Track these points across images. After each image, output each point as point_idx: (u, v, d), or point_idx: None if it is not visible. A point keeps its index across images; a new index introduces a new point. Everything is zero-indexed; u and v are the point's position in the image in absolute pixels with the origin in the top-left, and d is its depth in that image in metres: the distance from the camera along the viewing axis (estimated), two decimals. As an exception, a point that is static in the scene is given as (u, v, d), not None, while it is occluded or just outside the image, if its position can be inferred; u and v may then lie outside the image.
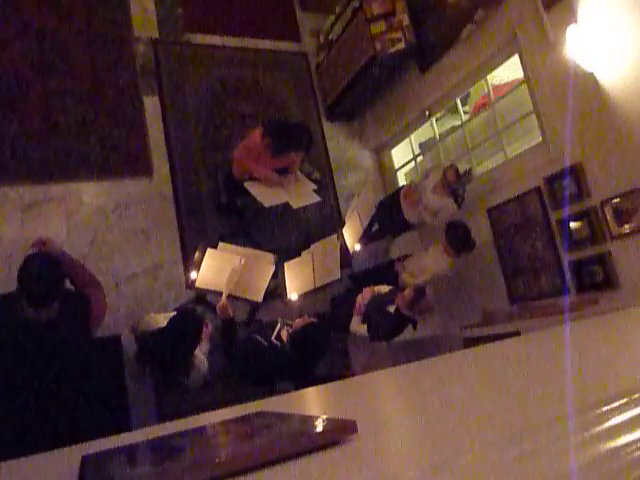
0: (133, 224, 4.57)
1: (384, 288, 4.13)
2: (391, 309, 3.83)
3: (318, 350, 3.36)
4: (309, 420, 0.73)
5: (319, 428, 0.66)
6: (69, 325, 2.77)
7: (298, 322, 3.41)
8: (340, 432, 0.64)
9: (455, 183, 4.15)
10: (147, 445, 0.81)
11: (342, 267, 4.18)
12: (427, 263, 4.30)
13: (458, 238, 4.11)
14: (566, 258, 3.91)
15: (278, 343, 3.37)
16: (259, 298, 3.76)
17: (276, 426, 0.75)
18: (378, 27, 4.76)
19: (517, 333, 3.53)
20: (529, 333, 3.34)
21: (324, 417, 0.71)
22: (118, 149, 4.68)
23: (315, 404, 1.13)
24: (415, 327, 3.84)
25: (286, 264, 3.94)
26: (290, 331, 3.41)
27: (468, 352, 1.84)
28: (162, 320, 3.45)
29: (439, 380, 1.15)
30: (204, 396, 4.24)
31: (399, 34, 4.79)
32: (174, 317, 3.35)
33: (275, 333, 3.43)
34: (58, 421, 2.65)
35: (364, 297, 4.04)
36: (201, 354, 3.40)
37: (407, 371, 1.41)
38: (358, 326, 4.00)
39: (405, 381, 1.23)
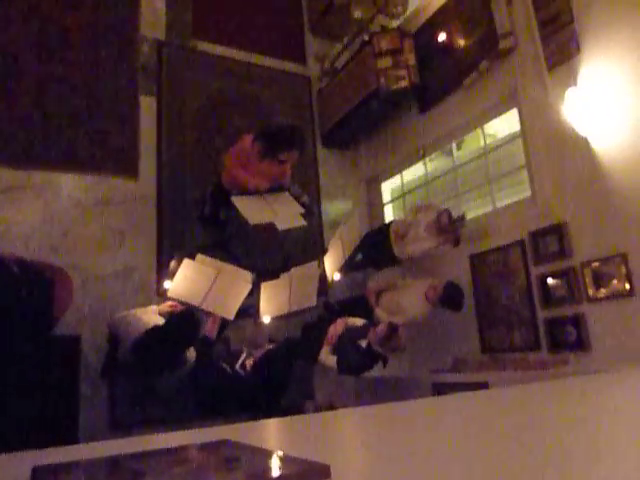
0: (111, 223, 4.50)
1: (358, 321, 4.12)
2: (363, 343, 3.82)
3: (280, 379, 3.36)
4: (279, 459, 0.71)
5: (291, 470, 0.64)
6: (27, 310, 2.70)
7: (256, 355, 3.43)
8: (313, 477, 0.62)
9: (448, 228, 4.20)
10: (104, 465, 0.78)
11: (318, 295, 4.16)
12: (405, 304, 4.31)
13: (452, 301, 4.14)
14: (541, 315, 3.96)
15: (242, 372, 3.35)
16: (230, 315, 3.71)
17: (243, 461, 0.72)
18: (384, 62, 4.86)
19: (485, 384, 3.53)
20: (497, 386, 3.36)
21: (295, 457, 0.70)
22: (106, 145, 4.64)
23: (283, 438, 1.11)
24: (385, 364, 3.82)
25: (263, 284, 3.90)
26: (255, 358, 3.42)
27: (437, 400, 1.83)
28: (147, 318, 3.44)
29: (410, 426, 1.14)
30: (159, 409, 4.16)
31: (404, 72, 4.89)
32: (173, 316, 3.36)
33: (240, 362, 3.42)
34: (6, 420, 2.55)
35: (337, 328, 4.03)
36: (191, 355, 3.44)
37: (377, 412, 1.39)
38: (327, 357, 3.97)
39: (376, 423, 1.21)
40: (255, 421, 1.32)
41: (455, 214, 4.34)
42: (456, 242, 4.31)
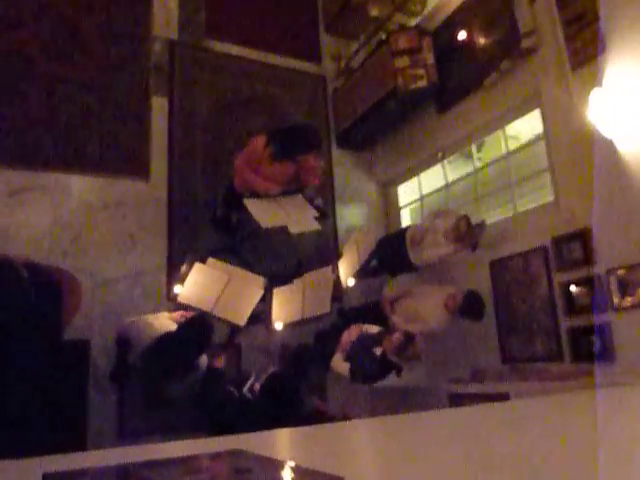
0: (121, 226, 4.56)
1: (373, 328, 4.12)
2: (377, 352, 3.81)
3: (289, 401, 3.38)
4: (292, 470, 0.71)
5: (304, 482, 0.64)
6: (36, 314, 2.74)
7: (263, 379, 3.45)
8: (327, 489, 0.63)
9: (467, 235, 4.18)
10: (114, 473, 0.79)
11: (332, 301, 4.16)
12: (423, 312, 4.29)
13: (473, 311, 4.12)
14: (564, 323, 3.92)
15: (250, 395, 3.37)
16: (242, 321, 3.73)
17: (255, 472, 0.73)
18: (402, 62, 4.86)
19: (506, 396, 3.51)
20: (519, 397, 3.33)
21: (307, 468, 0.70)
22: (117, 146, 4.70)
23: (295, 448, 1.11)
24: (399, 374, 3.81)
25: (275, 290, 3.92)
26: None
27: (455, 411, 1.82)
28: (158, 324, 3.49)
29: (425, 438, 1.14)
30: (169, 417, 4.19)
31: (422, 72, 4.89)
32: (184, 322, 3.42)
33: (247, 385, 3.44)
34: (9, 422, 2.59)
35: (351, 335, 4.03)
36: (203, 361, 3.49)
37: (392, 423, 1.39)
38: (340, 364, 3.97)
39: (390, 434, 1.21)
40: (267, 431, 1.32)
41: (475, 220, 4.31)
42: (473, 248, 4.29)
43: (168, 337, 3.36)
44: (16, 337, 2.71)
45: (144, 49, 5.02)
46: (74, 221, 4.40)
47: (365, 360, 3.86)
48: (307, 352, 4.45)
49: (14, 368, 2.65)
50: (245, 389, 3.47)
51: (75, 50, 4.69)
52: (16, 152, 4.30)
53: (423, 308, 4.32)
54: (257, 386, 3.46)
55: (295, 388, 3.47)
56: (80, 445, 3.68)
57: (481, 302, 4.10)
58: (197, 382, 3.61)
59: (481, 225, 4.26)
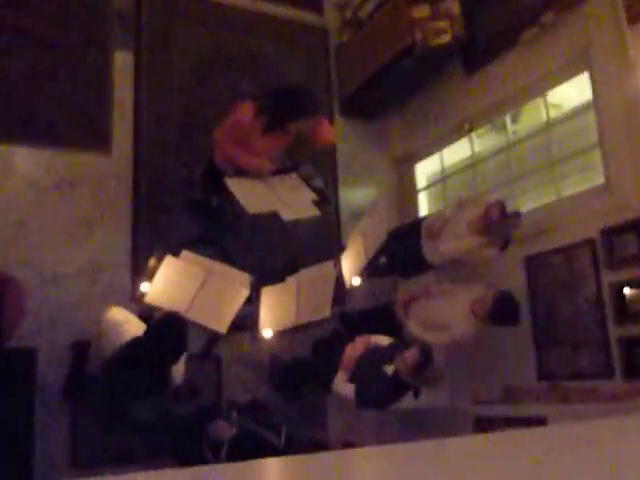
0: (76, 209, 4.56)
1: (383, 340, 4.12)
2: (388, 369, 3.81)
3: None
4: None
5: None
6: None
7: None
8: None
9: (498, 225, 4.17)
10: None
11: (333, 303, 4.17)
12: (444, 317, 4.29)
13: (505, 315, 4.11)
14: (615, 332, 3.93)
15: (226, 460, 3.43)
16: (222, 328, 3.74)
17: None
18: (421, 12, 4.84)
19: (543, 420, 3.53)
20: (558, 422, 3.35)
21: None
22: (72, 111, 4.69)
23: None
24: (417, 396, 3.82)
25: (264, 290, 3.92)
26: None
27: (483, 438, 1.84)
28: (126, 328, 3.49)
29: (446, 470, 1.15)
30: (131, 443, 4.21)
31: (446, 24, 4.87)
32: (153, 325, 3.42)
33: (225, 449, 3.47)
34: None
35: (356, 349, 4.03)
36: (178, 372, 3.48)
37: (405, 452, 1.40)
38: (343, 385, 3.98)
39: (403, 466, 1.22)
40: (249, 461, 1.33)
41: (509, 209, 4.30)
42: (504, 245, 4.28)
43: (133, 345, 3.35)
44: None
45: (105, -8, 4.99)
46: (18, 203, 4.40)
47: (374, 380, 3.86)
48: (302, 368, 4.46)
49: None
50: (222, 454, 3.47)
51: (20, -8, 4.67)
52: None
53: (446, 313, 4.31)
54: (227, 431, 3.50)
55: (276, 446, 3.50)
56: (26, 476, 3.70)
57: (515, 305, 4.10)
58: (169, 401, 3.62)
59: (515, 216, 4.25)
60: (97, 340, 3.64)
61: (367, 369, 3.92)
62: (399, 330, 4.44)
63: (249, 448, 3.39)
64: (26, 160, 4.49)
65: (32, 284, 4.15)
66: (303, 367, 4.44)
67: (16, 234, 4.32)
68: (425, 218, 4.85)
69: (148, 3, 5.15)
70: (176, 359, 3.41)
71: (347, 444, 4.20)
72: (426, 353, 3.77)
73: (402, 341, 4.11)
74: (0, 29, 4.53)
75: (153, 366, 3.32)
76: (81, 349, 3.88)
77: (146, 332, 3.38)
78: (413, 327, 4.40)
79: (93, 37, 4.87)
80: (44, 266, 4.34)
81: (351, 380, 3.96)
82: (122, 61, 4.95)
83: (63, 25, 4.77)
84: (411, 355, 3.76)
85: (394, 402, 3.90)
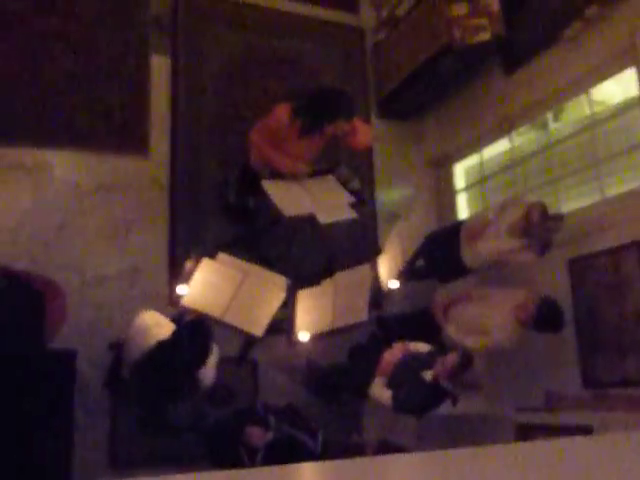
0: (114, 212, 4.63)
1: (421, 346, 4.07)
2: (427, 376, 3.77)
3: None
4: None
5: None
6: (14, 326, 2.81)
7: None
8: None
9: (539, 226, 4.10)
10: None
11: (370, 307, 4.14)
12: (487, 323, 4.22)
13: (550, 322, 4.04)
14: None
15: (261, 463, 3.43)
16: (259, 332, 3.75)
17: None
18: (459, 9, 4.79)
19: (588, 428, 3.45)
20: (604, 431, 3.27)
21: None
22: (110, 116, 4.77)
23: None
24: (455, 403, 3.77)
25: (300, 293, 3.92)
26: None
27: (524, 446, 1.80)
28: (156, 332, 3.53)
29: (486, 479, 1.12)
30: (169, 444, 4.26)
31: (485, 21, 4.81)
32: (179, 329, 3.44)
33: (262, 453, 3.46)
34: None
35: (394, 355, 3.99)
36: (206, 376, 3.50)
37: (445, 459, 1.38)
38: (381, 391, 3.95)
39: (442, 473, 1.20)
40: (285, 465, 1.33)
41: (551, 211, 4.22)
42: (543, 249, 4.19)
43: (158, 350, 3.37)
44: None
45: (142, -2, 5.07)
46: (59, 207, 4.49)
47: (412, 386, 3.82)
48: (339, 375, 4.44)
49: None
50: (259, 458, 3.46)
51: (61, 1, 4.76)
52: (-11, 125, 4.39)
53: (486, 318, 4.25)
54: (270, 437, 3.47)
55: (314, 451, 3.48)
56: (65, 477, 3.77)
57: (559, 312, 4.02)
58: (205, 405, 3.63)
59: (557, 218, 4.16)
60: (127, 344, 3.69)
61: (405, 375, 3.88)
62: (438, 334, 4.39)
63: (285, 452, 3.38)
64: (66, 164, 4.58)
65: (72, 286, 4.24)
66: (340, 373, 4.42)
67: (57, 237, 4.42)
68: (465, 221, 4.79)
69: (184, 7, 5.22)
70: (200, 363, 3.41)
71: (383, 444, 4.16)
72: (466, 357, 3.74)
73: (441, 347, 4.06)
74: (40, 35, 4.63)
75: (178, 370, 3.33)
76: (118, 349, 3.94)
77: (171, 337, 3.40)
78: (453, 332, 4.35)
79: (130, 42, 4.95)
80: (84, 269, 4.43)
81: (388, 386, 3.93)
82: (159, 65, 5.02)
83: (101, 30, 4.85)
84: (451, 359, 3.74)
85: (431, 409, 3.87)
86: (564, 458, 1.34)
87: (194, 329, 3.45)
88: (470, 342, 4.14)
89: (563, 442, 1.74)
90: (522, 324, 4.08)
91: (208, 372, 3.58)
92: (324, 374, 4.61)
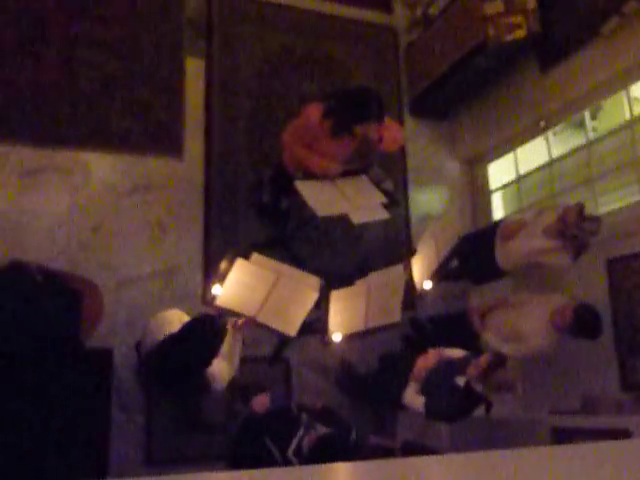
0: (150, 213, 4.70)
1: (456, 352, 4.03)
2: (460, 381, 3.74)
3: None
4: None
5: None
6: (51, 324, 2.86)
7: (313, 438, 3.32)
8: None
9: (575, 227, 4.04)
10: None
11: (404, 308, 4.13)
12: (524, 329, 4.19)
13: (587, 328, 3.99)
14: None
15: (296, 460, 3.30)
16: (292, 331, 3.76)
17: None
18: (494, 7, 4.75)
19: (627, 432, 3.39)
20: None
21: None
22: (146, 118, 4.85)
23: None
24: (488, 410, 3.73)
25: (333, 293, 3.93)
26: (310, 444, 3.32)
27: (561, 449, 1.78)
28: (168, 327, 3.55)
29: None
30: (202, 443, 4.31)
31: (520, 19, 4.77)
32: (187, 324, 3.43)
33: (294, 446, 3.34)
34: (22, 450, 2.72)
35: (428, 361, 3.96)
36: (218, 375, 3.49)
37: (480, 461, 1.37)
38: (414, 397, 3.92)
39: (476, 476, 1.20)
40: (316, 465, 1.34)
41: (588, 212, 4.16)
42: (578, 252, 4.13)
43: (167, 342, 3.37)
44: (29, 348, 2.85)
45: (176, 0, 5.12)
46: (95, 207, 4.57)
47: (444, 392, 3.79)
48: (373, 384, 4.41)
49: (28, 384, 2.80)
50: (290, 451, 3.33)
51: (96, 5, 4.85)
52: (28, 127, 4.49)
53: (523, 323, 4.21)
54: (306, 445, 3.37)
55: (348, 449, 3.38)
56: (100, 475, 3.84)
57: (596, 317, 3.96)
58: (235, 403, 3.62)
59: (594, 220, 4.09)
60: (144, 336, 3.72)
61: (438, 381, 3.85)
62: (474, 340, 4.36)
63: (318, 450, 3.34)
64: (102, 166, 4.66)
65: (108, 286, 4.31)
66: (374, 382, 4.38)
67: (93, 238, 4.50)
68: (501, 222, 4.75)
69: (218, 9, 5.27)
70: (206, 362, 3.38)
71: (408, 444, 4.13)
72: (499, 356, 3.70)
73: (477, 353, 4.03)
74: (76, 39, 4.73)
75: (183, 366, 3.30)
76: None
77: (179, 331, 3.36)
78: (490, 338, 4.33)
79: (165, 44, 5.01)
80: (119, 268, 4.50)
81: (422, 392, 3.91)
82: (193, 67, 5.08)
83: (136, 34, 4.93)
84: (483, 359, 3.71)
85: (465, 416, 3.81)
86: (600, 461, 1.33)
87: (199, 328, 3.41)
88: (507, 349, 4.10)
89: (600, 446, 1.72)
90: (559, 330, 4.04)
91: (219, 372, 3.55)
92: (358, 377, 4.61)
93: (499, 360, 3.69)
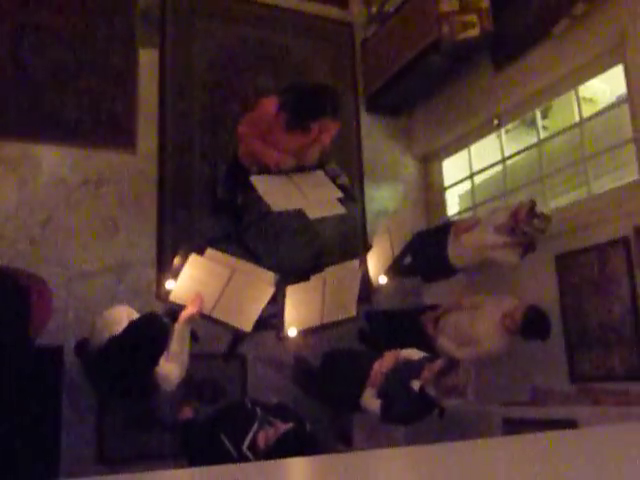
0: (102, 207, 4.62)
1: (414, 354, 4.08)
2: (415, 385, 3.77)
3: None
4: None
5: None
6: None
7: (271, 434, 3.28)
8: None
9: (524, 224, 4.13)
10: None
11: (359, 303, 4.17)
12: (476, 332, 4.26)
13: (536, 330, 4.09)
14: (650, 334, 3.88)
15: (251, 455, 3.28)
16: (247, 327, 3.75)
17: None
18: (449, 5, 4.80)
19: (573, 422, 3.49)
20: (589, 425, 3.31)
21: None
22: (97, 110, 4.76)
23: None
24: (442, 415, 3.79)
25: (288, 288, 3.93)
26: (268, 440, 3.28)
27: (511, 440, 1.83)
28: (115, 327, 3.48)
29: (472, 473, 1.14)
30: (152, 441, 4.28)
31: (474, 18, 4.83)
32: (133, 323, 3.38)
33: (248, 440, 3.30)
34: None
35: (384, 364, 3.98)
36: (168, 375, 3.45)
37: (432, 454, 1.40)
38: (371, 401, 3.94)
39: (430, 468, 1.22)
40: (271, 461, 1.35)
41: (539, 208, 4.25)
42: (526, 249, 4.24)
43: (111, 344, 3.32)
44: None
45: (130, -10, 5.05)
46: (44, 201, 4.48)
47: (399, 396, 3.81)
48: (328, 385, 4.39)
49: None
50: (245, 446, 3.30)
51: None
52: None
53: (476, 327, 4.30)
54: (263, 437, 3.35)
55: (304, 444, 3.39)
56: (53, 473, 3.77)
57: (545, 320, 4.08)
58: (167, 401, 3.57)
59: (543, 217, 4.19)
60: (91, 334, 3.67)
61: (395, 385, 3.86)
62: (429, 342, 4.42)
63: (276, 444, 3.32)
64: (53, 159, 4.56)
65: (58, 282, 4.22)
66: (329, 384, 4.37)
67: (43, 232, 4.40)
68: (456, 221, 4.83)
69: (172, 1, 5.20)
70: (153, 362, 3.33)
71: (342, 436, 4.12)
72: (452, 361, 3.75)
73: (433, 354, 4.08)
74: (27, 28, 4.61)
75: (129, 368, 3.26)
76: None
77: (122, 332, 3.32)
78: (443, 343, 4.39)
79: (118, 35, 4.93)
80: (70, 264, 4.42)
81: (378, 396, 3.93)
82: (147, 59, 5.01)
83: (88, 23, 4.83)
84: (436, 364, 3.75)
85: (419, 419, 3.86)
86: (549, 451, 1.37)
87: (144, 327, 3.37)
88: (461, 354, 4.17)
89: (548, 435, 1.77)
90: (510, 332, 4.15)
91: (167, 374, 3.48)
92: (312, 373, 4.60)
93: (451, 365, 3.72)
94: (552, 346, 4.39)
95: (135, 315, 3.68)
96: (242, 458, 3.28)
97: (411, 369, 3.91)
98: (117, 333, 3.38)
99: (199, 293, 3.58)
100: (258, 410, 3.54)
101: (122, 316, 3.65)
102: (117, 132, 4.81)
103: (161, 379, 3.45)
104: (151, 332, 3.34)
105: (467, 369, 3.73)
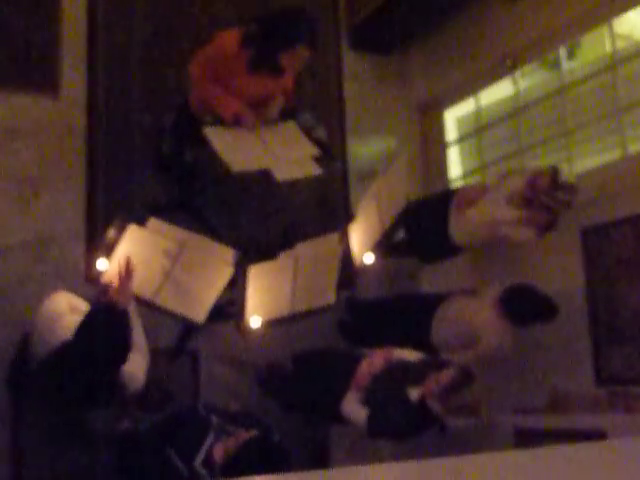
0: (17, 166, 4.57)
1: (410, 354, 4.09)
2: (413, 394, 3.77)
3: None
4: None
5: None
6: None
7: (230, 444, 3.31)
8: None
9: (546, 196, 4.12)
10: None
11: (340, 287, 4.16)
12: (477, 325, 4.28)
13: (520, 314, 4.16)
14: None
15: (204, 472, 3.29)
16: (199, 317, 3.75)
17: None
18: None
19: (601, 433, 3.52)
20: (620, 437, 3.35)
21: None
22: (11, 44, 4.67)
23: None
24: (444, 431, 3.82)
25: (251, 268, 3.92)
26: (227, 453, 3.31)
27: (526, 454, 1.83)
28: (66, 324, 3.48)
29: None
30: (81, 460, 4.27)
31: None
32: (85, 321, 3.35)
33: (202, 454, 3.32)
34: None
35: (374, 364, 3.98)
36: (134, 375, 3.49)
37: (429, 470, 1.39)
38: (354, 408, 3.94)
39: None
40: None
41: (562, 172, 4.27)
42: (546, 227, 4.25)
43: (66, 347, 3.33)
44: None
45: None
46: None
47: (392, 406, 3.83)
48: (301, 388, 4.41)
49: None
50: (198, 462, 3.33)
51: None
52: None
53: (476, 321, 4.31)
54: (220, 450, 3.34)
55: (282, 455, 3.41)
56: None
57: (535, 297, 4.12)
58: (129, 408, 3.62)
59: (569, 189, 4.20)
60: (32, 336, 3.66)
61: (385, 390, 3.88)
62: (426, 333, 4.43)
63: (237, 457, 3.34)
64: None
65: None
66: (302, 386, 4.38)
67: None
68: (458, 189, 4.83)
69: None
70: (119, 361, 3.36)
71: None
72: (466, 374, 3.73)
73: (433, 354, 4.11)
74: None
75: (92, 372, 3.28)
76: (23, 341, 3.90)
77: (77, 330, 3.32)
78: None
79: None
80: (-24, 239, 4.37)
81: (365, 403, 3.93)
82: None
83: None
84: (446, 376, 3.71)
85: (414, 435, 3.87)
86: (571, 468, 1.36)
87: (104, 319, 3.33)
88: (458, 357, 4.17)
89: (570, 449, 1.77)
90: (504, 319, 4.18)
91: (136, 369, 3.56)
92: (285, 379, 4.61)
93: (465, 378, 3.72)
94: (574, 341, 4.44)
95: (78, 301, 3.71)
96: (194, 476, 3.30)
97: (407, 373, 3.92)
98: (69, 333, 3.36)
99: (127, 258, 3.46)
100: (213, 418, 3.56)
101: (63, 307, 3.65)
102: (36, 72, 4.76)
103: (129, 378, 3.48)
104: (114, 324, 3.32)
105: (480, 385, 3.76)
